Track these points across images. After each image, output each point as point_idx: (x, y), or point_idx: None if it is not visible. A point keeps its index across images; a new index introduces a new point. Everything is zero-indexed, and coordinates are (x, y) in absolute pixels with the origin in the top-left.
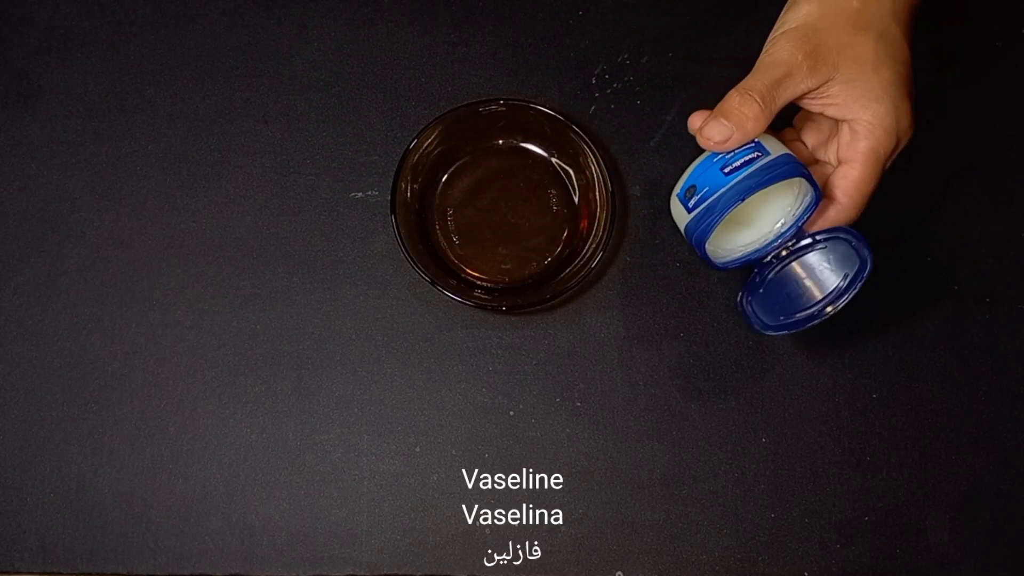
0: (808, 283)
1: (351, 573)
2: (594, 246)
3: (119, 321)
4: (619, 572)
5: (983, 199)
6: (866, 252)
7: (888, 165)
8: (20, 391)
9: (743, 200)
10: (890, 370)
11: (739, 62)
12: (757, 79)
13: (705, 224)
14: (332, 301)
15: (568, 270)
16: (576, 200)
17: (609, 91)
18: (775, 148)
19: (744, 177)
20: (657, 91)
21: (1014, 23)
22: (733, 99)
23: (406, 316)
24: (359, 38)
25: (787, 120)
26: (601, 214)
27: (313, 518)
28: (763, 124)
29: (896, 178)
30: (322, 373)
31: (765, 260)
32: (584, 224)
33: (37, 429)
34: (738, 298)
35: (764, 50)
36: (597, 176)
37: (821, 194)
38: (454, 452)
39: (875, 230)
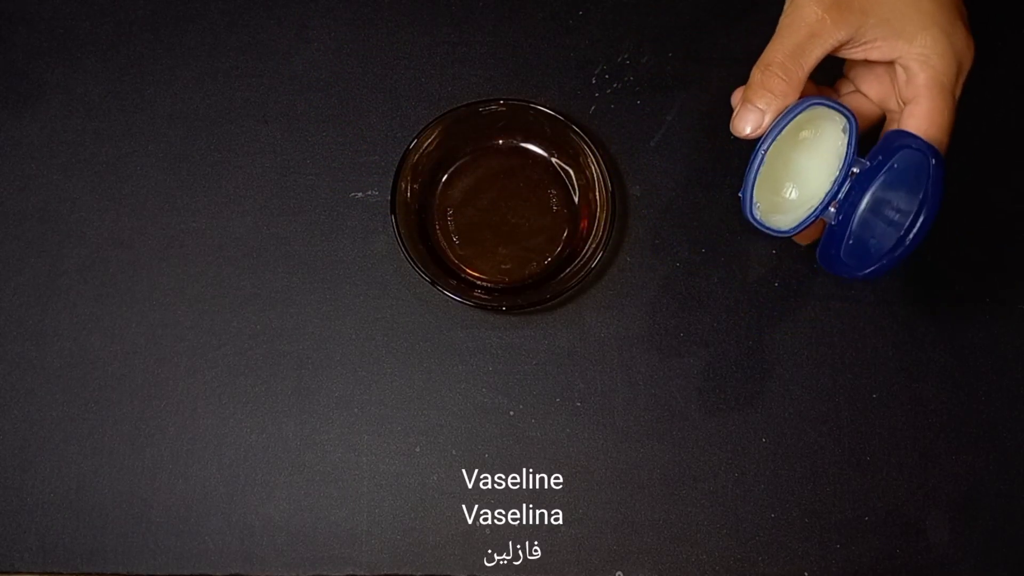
0: (894, 206)
1: (351, 573)
2: (594, 246)
3: (119, 321)
4: (619, 572)
5: (983, 199)
6: (927, 148)
7: (959, 93)
8: (20, 391)
9: (767, 148)
10: (890, 370)
11: (739, 62)
12: (777, 48)
13: (745, 188)
14: (332, 301)
15: (568, 270)
16: (576, 200)
17: (609, 91)
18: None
19: (768, 134)
20: (657, 91)
21: (1014, 23)
22: (755, 78)
23: (406, 316)
24: (359, 38)
25: (836, 71)
26: (601, 214)
27: (313, 518)
28: (792, 96)
29: None
30: (322, 373)
31: (836, 208)
32: (584, 224)
33: (37, 429)
34: (822, 256)
35: (784, 10)
36: (597, 176)
37: (852, 113)
38: (454, 452)
39: None
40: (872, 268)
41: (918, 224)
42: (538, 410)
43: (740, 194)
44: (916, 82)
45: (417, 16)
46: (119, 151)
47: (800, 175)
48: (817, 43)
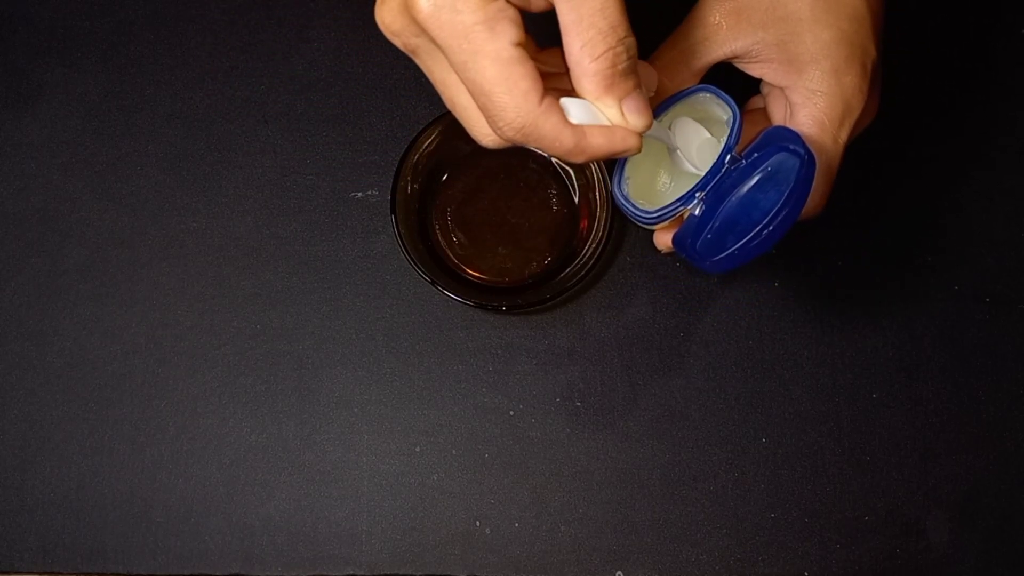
0: (760, 207)
1: (351, 573)
2: (594, 246)
3: (119, 321)
4: (619, 572)
5: (983, 199)
6: (804, 151)
7: (845, 137)
8: (20, 391)
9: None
10: (890, 370)
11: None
12: (670, 45)
13: (618, 163)
14: (332, 301)
15: (568, 270)
16: (576, 200)
17: None
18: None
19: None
20: None
21: (1014, 23)
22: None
23: (406, 316)
24: (359, 38)
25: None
26: (601, 214)
27: (313, 518)
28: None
29: (896, 178)
30: (322, 373)
31: (703, 199)
32: (584, 224)
33: (37, 429)
34: (677, 242)
35: (694, 5)
36: (597, 176)
37: (738, 108)
38: (454, 452)
39: (875, 230)
40: (721, 256)
41: (777, 220)
42: (538, 410)
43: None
44: (797, 117)
45: None
46: (119, 151)
47: (680, 172)
48: (709, 48)
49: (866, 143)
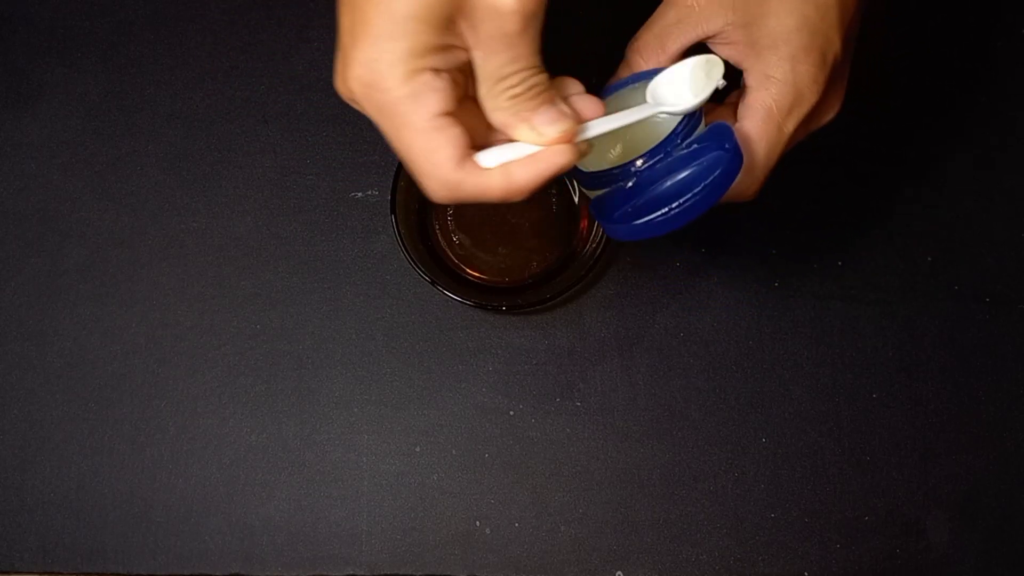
0: (682, 197)
1: (351, 573)
2: (594, 246)
3: (119, 321)
4: (619, 572)
5: (983, 199)
6: (734, 152)
7: (791, 127)
8: (20, 391)
9: (608, 95)
10: (890, 370)
11: None
12: (647, 27)
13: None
14: (332, 301)
15: (568, 270)
16: (576, 200)
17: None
18: None
19: (620, 82)
20: None
21: (1014, 23)
22: (625, 54)
23: (406, 316)
24: None
25: None
26: None
27: (313, 518)
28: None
29: (896, 177)
30: (322, 373)
31: (635, 172)
32: (584, 224)
33: (37, 429)
34: (594, 205)
35: None
36: None
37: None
38: (454, 452)
39: (875, 230)
40: (629, 226)
41: (685, 206)
42: (538, 410)
43: None
44: (747, 100)
45: None
46: (119, 151)
47: (634, 144)
48: (683, 29)
49: (867, 143)
